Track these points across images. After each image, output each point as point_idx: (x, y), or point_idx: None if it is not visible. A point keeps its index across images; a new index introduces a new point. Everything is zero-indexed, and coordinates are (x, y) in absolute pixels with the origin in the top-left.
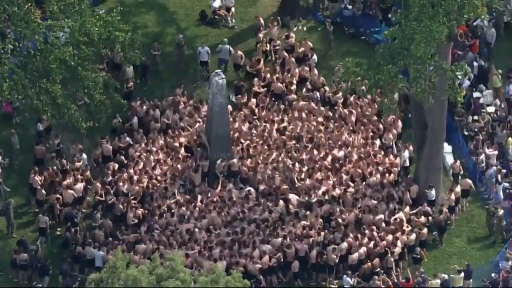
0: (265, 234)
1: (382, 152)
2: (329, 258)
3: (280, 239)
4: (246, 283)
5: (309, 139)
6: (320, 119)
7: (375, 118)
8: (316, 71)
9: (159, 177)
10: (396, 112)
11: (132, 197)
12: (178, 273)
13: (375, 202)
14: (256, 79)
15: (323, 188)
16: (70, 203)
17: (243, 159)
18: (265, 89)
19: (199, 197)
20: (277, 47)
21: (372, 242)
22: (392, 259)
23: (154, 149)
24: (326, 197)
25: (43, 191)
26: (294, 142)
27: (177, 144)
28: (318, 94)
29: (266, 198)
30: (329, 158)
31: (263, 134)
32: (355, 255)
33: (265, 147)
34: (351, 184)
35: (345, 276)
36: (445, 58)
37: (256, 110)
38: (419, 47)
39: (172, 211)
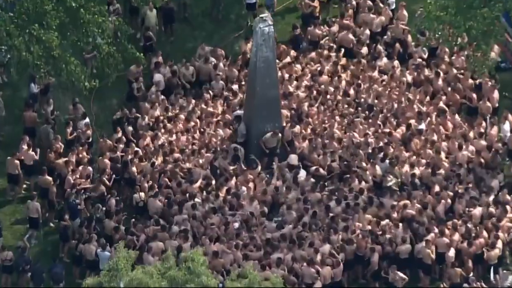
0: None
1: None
2: (424, 255)
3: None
4: None
5: (379, 110)
6: (394, 83)
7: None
8: (406, 14)
9: (185, 151)
10: (492, 71)
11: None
12: (198, 276)
13: (463, 188)
14: (312, 27)
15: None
16: (71, 187)
17: (295, 130)
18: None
19: (233, 181)
20: None
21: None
22: None
23: (182, 116)
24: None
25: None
26: (357, 111)
27: (212, 110)
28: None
29: (330, 183)
30: (401, 131)
31: (322, 99)
32: (451, 254)
33: (325, 117)
34: (445, 164)
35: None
36: None
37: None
38: None
39: (197, 200)
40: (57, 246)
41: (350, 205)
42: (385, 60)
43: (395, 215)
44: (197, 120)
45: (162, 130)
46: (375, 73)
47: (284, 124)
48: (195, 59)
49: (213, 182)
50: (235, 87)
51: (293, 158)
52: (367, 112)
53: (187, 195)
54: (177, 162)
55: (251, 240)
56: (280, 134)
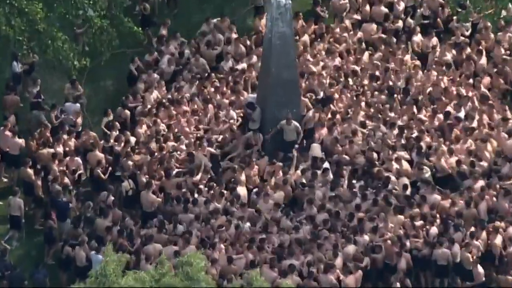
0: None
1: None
2: (464, 259)
3: (366, 237)
4: None
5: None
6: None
7: None
8: None
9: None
10: None
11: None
12: (199, 282)
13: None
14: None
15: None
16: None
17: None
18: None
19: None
20: None
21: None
22: None
23: (185, 100)
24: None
25: None
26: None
27: (218, 96)
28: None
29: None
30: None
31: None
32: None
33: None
34: (487, 155)
35: None
36: None
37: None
38: None
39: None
40: (42, 249)
41: (379, 204)
42: (420, 36)
43: (435, 212)
44: (200, 104)
45: (161, 115)
46: (408, 55)
47: (305, 112)
48: (199, 39)
49: (213, 175)
50: (242, 66)
51: (316, 148)
52: (401, 96)
53: (189, 190)
54: (173, 152)
55: (263, 243)
56: (295, 123)
